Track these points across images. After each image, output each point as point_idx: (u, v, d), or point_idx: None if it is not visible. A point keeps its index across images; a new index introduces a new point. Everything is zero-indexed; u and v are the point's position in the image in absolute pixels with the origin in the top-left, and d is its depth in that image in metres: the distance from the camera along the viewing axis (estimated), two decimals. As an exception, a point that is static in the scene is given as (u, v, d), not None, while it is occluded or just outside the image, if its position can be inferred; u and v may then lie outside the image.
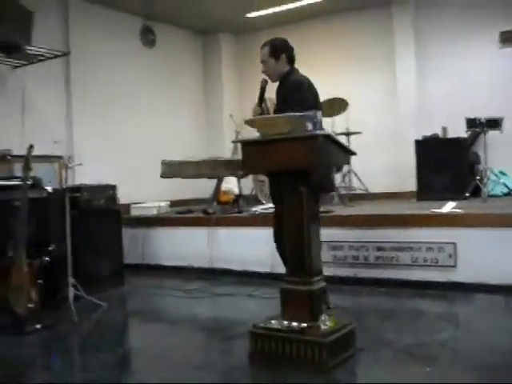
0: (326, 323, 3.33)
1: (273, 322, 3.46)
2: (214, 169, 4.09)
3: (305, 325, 3.33)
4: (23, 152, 4.93)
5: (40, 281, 4.58)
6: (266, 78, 4.22)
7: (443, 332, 4.03)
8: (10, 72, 7.05)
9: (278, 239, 4.20)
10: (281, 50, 4.17)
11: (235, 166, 4.05)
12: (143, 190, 6.64)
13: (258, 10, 8.91)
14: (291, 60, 4.23)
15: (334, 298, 3.87)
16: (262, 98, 4.18)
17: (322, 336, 3.25)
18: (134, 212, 7.49)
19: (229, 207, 6.96)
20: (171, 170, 4.36)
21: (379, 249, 5.45)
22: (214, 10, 8.84)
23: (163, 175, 4.37)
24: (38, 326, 4.42)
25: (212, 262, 6.30)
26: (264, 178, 7.29)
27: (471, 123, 7.08)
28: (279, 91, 4.23)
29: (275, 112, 4.20)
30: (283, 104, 4.01)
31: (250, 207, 6.79)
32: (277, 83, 4.31)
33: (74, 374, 3.72)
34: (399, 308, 4.77)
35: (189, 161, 4.26)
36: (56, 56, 6.96)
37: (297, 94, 4.01)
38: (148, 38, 9.15)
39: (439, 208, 5.59)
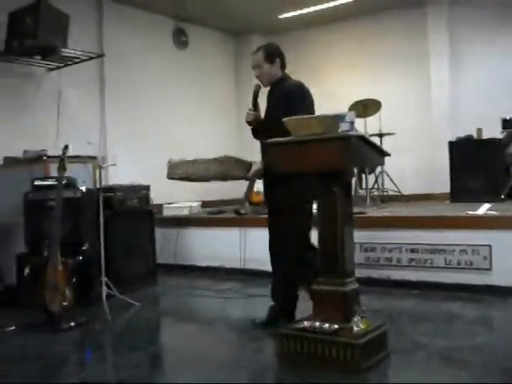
0: (358, 325, 3.30)
1: (305, 322, 3.45)
2: (225, 170, 4.00)
3: (337, 326, 3.31)
4: (58, 153, 5.01)
5: (74, 279, 4.64)
6: (259, 83, 4.23)
7: (478, 336, 3.96)
8: (46, 74, 7.17)
9: (273, 250, 4.25)
10: (275, 55, 4.19)
11: (247, 168, 4.01)
12: (175, 190, 6.67)
13: (290, 11, 8.90)
14: (283, 65, 4.25)
15: (366, 300, 3.82)
16: (255, 103, 4.18)
17: (355, 337, 3.23)
18: (167, 212, 7.55)
19: (261, 208, 6.94)
20: (177, 170, 4.26)
21: (412, 251, 5.39)
22: (246, 11, 8.86)
23: (169, 176, 4.28)
24: (72, 324, 4.48)
25: (244, 263, 6.30)
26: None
27: (507, 124, 6.98)
28: (273, 96, 4.19)
29: (266, 117, 4.19)
30: (283, 108, 3.93)
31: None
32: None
33: (107, 371, 3.77)
34: (433, 311, 4.72)
35: (197, 160, 4.18)
36: (90, 58, 7.05)
37: (299, 98, 4.05)
38: (180, 39, 9.21)
39: (474, 210, 5.51)
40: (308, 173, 3.58)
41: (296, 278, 4.11)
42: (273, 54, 4.17)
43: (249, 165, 3.95)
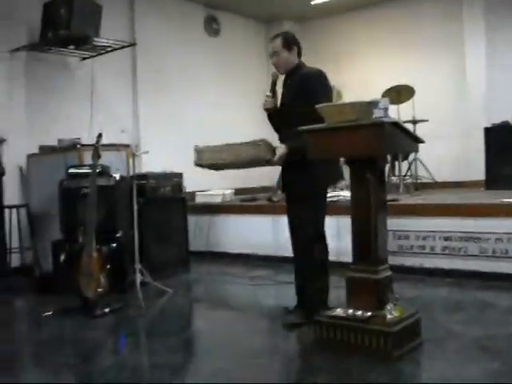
0: (391, 312, 3.29)
1: (338, 310, 3.45)
2: (255, 154, 3.90)
3: (370, 314, 3.30)
4: (92, 141, 5.07)
5: (108, 266, 4.70)
6: (276, 70, 4.21)
7: (512, 325, 3.92)
8: (79, 63, 7.24)
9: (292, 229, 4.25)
10: (293, 42, 4.15)
11: (272, 152, 3.91)
12: (208, 178, 6.68)
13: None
14: (300, 53, 4.21)
15: (399, 288, 3.80)
16: (274, 90, 4.17)
17: (388, 325, 3.22)
18: (199, 199, 7.58)
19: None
20: (204, 157, 4.18)
21: (446, 239, 5.33)
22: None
23: (196, 163, 4.21)
24: (107, 310, 4.55)
25: (276, 250, 6.30)
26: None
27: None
28: (290, 83, 4.15)
29: (282, 104, 4.17)
30: (302, 94, 3.93)
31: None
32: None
33: (141, 356, 3.82)
34: (467, 299, 4.67)
35: (225, 145, 4.12)
36: (123, 47, 7.11)
37: (322, 84, 4.01)
38: (212, 27, 9.21)
39: (509, 197, 5.41)
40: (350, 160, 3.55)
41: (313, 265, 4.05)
42: (290, 42, 4.14)
43: (273, 149, 3.91)
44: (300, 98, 3.93)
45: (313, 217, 3.99)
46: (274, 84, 4.18)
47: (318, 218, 4.04)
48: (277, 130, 4.25)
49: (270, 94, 4.15)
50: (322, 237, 4.06)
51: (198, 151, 4.22)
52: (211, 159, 4.16)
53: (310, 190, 3.94)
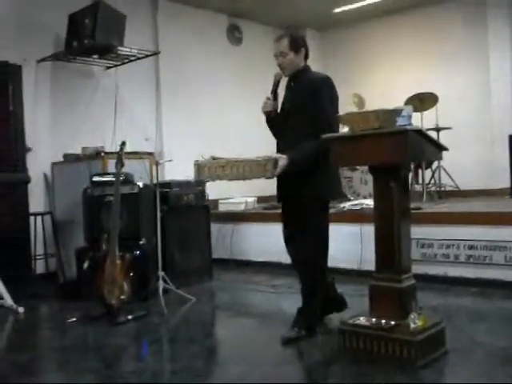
0: (415, 321, 3.26)
1: (361, 318, 3.43)
2: (256, 170, 3.63)
3: (393, 323, 3.28)
4: (116, 149, 5.11)
5: (131, 274, 4.73)
6: (280, 71, 3.98)
7: (540, 335, 3.86)
8: (103, 72, 7.32)
9: (288, 239, 4.17)
10: (301, 44, 3.92)
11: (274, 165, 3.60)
12: (231, 186, 6.67)
13: (344, 4, 8.82)
14: (307, 56, 3.98)
15: (423, 297, 3.77)
16: (275, 93, 3.97)
17: (411, 334, 3.19)
18: (222, 207, 7.60)
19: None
20: (205, 173, 3.92)
21: (471, 247, 5.28)
22: (300, 6, 8.81)
23: (196, 179, 4.04)
24: (130, 317, 4.58)
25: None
26: (351, 174, 7.22)
27: None
28: (296, 87, 3.95)
29: (282, 109, 3.99)
30: (311, 101, 3.77)
31: (337, 204, 6.74)
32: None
33: (163, 363, 3.83)
34: (492, 309, 4.61)
35: (224, 161, 3.85)
36: (146, 56, 7.15)
37: (329, 91, 3.84)
38: (235, 35, 9.24)
39: (535, 206, 5.36)
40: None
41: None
42: (298, 43, 3.91)
43: (274, 161, 3.61)
44: (306, 104, 3.79)
45: (316, 232, 3.87)
46: (276, 85, 3.98)
47: (321, 234, 3.91)
48: (276, 134, 4.08)
49: (271, 95, 3.96)
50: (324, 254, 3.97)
51: (199, 166, 4.00)
52: (211, 177, 3.94)
53: (312, 204, 3.82)
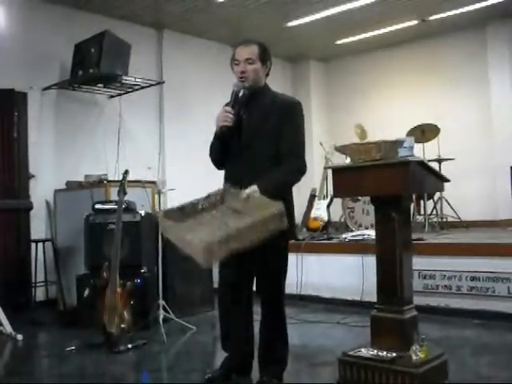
0: (417, 353, 3.22)
1: (362, 350, 3.40)
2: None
3: (395, 354, 3.25)
4: (119, 177, 5.14)
5: (132, 302, 4.71)
6: (240, 83, 3.52)
7: (544, 369, 3.82)
8: (107, 101, 7.39)
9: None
10: (268, 58, 3.55)
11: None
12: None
13: (347, 36, 8.93)
14: (268, 74, 3.60)
15: (424, 328, 3.74)
16: (236, 106, 3.49)
17: (413, 366, 3.16)
18: (222, 236, 7.57)
19: (318, 234, 6.94)
20: (168, 229, 3.27)
21: (473, 279, 5.25)
22: (304, 38, 8.92)
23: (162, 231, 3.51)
24: (130, 346, 4.55)
25: (301, 289, 6.26)
26: (353, 204, 7.23)
27: None
28: (256, 105, 3.49)
29: (240, 129, 3.46)
30: (282, 124, 3.35)
31: (339, 234, 6.74)
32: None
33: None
34: (495, 341, 4.57)
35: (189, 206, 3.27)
36: (150, 85, 7.22)
37: (303, 118, 3.48)
38: (238, 66, 9.31)
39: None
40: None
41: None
42: (267, 56, 3.55)
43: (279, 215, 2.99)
44: (276, 130, 3.35)
45: (283, 270, 3.59)
46: (236, 97, 3.50)
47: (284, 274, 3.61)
48: (223, 156, 3.56)
49: (231, 109, 3.44)
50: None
51: (162, 217, 3.27)
52: (174, 236, 3.16)
53: (281, 240, 3.27)
